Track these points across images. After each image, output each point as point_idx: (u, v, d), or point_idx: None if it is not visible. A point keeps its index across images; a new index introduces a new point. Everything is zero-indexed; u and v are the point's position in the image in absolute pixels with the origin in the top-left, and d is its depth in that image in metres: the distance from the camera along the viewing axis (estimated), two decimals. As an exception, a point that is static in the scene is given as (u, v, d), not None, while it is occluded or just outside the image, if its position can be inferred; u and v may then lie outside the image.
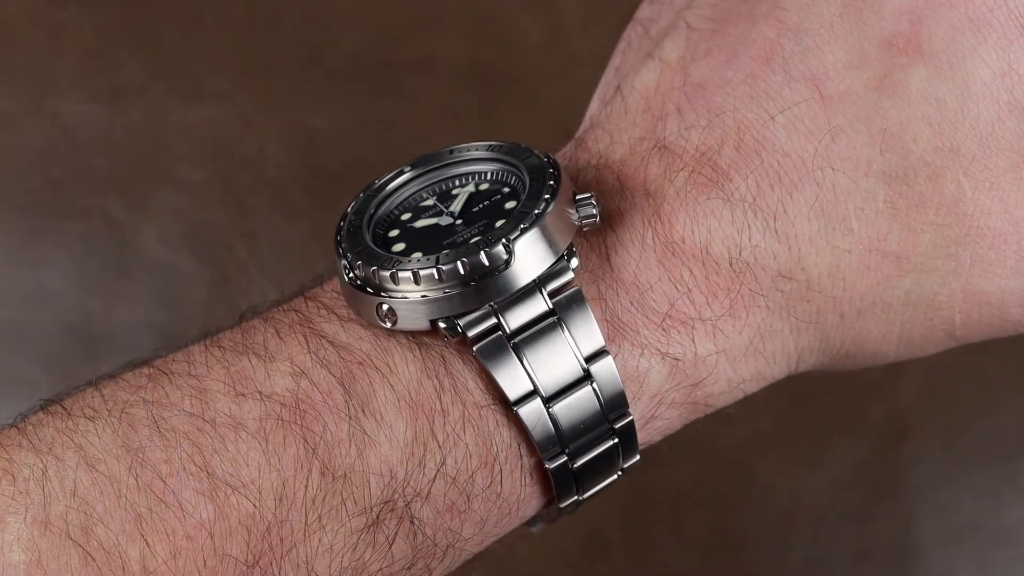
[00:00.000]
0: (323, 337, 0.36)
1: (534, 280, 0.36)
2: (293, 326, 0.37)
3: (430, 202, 0.39)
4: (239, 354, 0.36)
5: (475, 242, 0.36)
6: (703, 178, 0.37)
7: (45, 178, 0.65)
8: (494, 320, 0.36)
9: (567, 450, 0.37)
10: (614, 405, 0.37)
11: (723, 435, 0.62)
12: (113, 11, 0.67)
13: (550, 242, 0.36)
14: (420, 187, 0.40)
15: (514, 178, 0.39)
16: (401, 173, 0.40)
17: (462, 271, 0.36)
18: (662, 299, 0.37)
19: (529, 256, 0.36)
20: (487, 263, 0.36)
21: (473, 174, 0.40)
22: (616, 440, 0.37)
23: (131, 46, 0.67)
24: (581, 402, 0.36)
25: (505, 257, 0.36)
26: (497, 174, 0.39)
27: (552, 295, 0.36)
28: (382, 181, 0.40)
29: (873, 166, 0.37)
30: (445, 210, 0.39)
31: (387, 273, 0.36)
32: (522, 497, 0.37)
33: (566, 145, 0.42)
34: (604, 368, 0.36)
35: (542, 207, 0.36)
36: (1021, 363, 0.61)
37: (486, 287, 0.36)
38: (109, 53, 0.67)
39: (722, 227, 0.37)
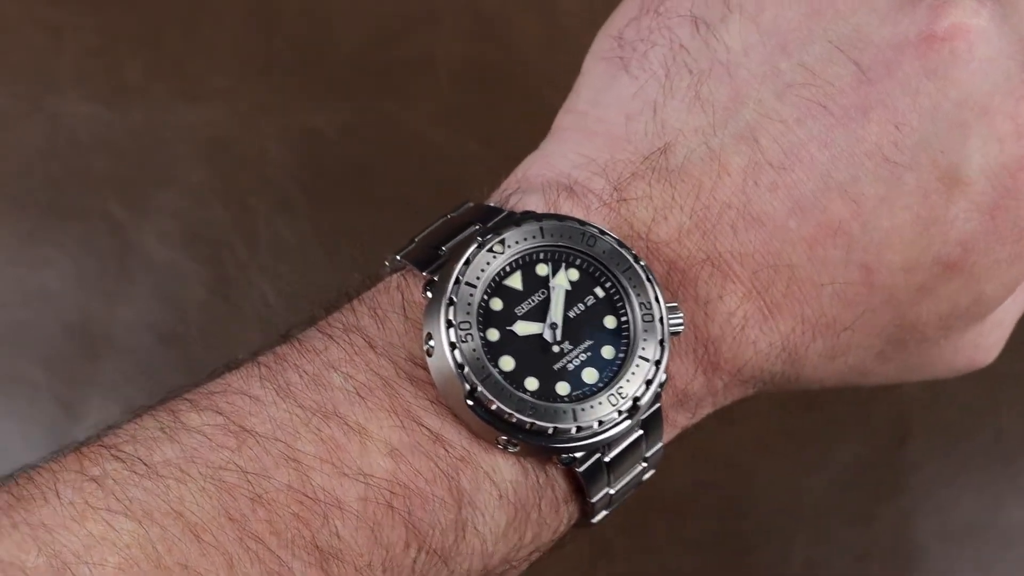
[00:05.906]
0: (421, 424, 0.38)
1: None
2: (374, 391, 0.38)
3: (516, 281, 0.40)
4: (325, 418, 0.37)
5: (607, 400, 0.39)
6: (752, 317, 0.42)
7: (45, 178, 0.65)
8: (599, 453, 0.40)
9: None
10: (652, 469, 0.43)
11: (724, 437, 0.62)
12: (113, 11, 0.67)
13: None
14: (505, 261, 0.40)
15: (607, 280, 0.40)
16: (491, 250, 0.40)
17: (595, 427, 0.39)
18: (696, 402, 0.44)
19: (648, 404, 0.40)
20: (616, 417, 0.39)
21: (557, 253, 0.40)
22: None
23: (131, 46, 0.67)
24: (632, 478, 0.42)
25: (632, 414, 0.40)
26: (586, 266, 0.41)
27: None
28: (476, 262, 0.40)
29: (884, 333, 0.44)
30: (548, 302, 0.40)
31: (528, 422, 0.38)
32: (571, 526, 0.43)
33: (585, 157, 0.43)
34: (655, 456, 0.42)
35: (660, 354, 0.40)
36: (1022, 363, 0.61)
37: (608, 436, 0.40)
38: (109, 53, 0.67)
39: (757, 359, 0.43)
